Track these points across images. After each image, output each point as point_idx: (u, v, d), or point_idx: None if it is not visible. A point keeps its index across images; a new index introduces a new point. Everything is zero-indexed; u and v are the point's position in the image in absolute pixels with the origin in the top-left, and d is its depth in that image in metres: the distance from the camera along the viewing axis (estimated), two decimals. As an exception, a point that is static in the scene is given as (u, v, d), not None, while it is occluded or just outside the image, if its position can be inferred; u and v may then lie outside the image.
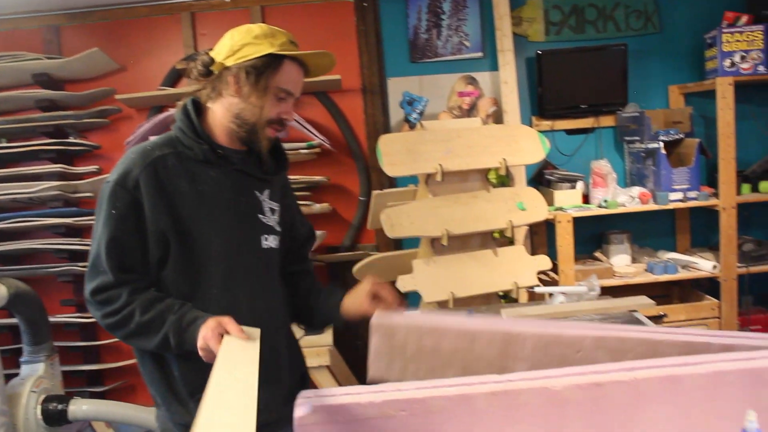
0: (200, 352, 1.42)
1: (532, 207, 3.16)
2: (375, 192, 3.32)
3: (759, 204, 3.62)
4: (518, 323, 1.55)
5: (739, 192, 3.50)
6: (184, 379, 1.56)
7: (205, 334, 1.41)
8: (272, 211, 1.68)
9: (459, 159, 3.05)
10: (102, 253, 1.48)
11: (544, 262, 3.20)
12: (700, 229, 3.88)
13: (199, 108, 1.60)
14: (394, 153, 2.99)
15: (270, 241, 1.66)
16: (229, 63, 1.52)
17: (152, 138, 1.65)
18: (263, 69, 1.51)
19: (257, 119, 1.54)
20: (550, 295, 2.41)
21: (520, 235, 3.49)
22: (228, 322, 1.43)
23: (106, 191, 1.50)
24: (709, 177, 3.73)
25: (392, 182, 3.67)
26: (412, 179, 3.50)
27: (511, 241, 3.46)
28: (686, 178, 3.41)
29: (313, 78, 1.66)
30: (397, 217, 2.98)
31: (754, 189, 3.59)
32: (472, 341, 1.50)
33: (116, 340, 3.80)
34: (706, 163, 3.70)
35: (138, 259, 1.51)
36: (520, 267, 3.16)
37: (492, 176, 3.47)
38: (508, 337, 1.47)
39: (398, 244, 3.72)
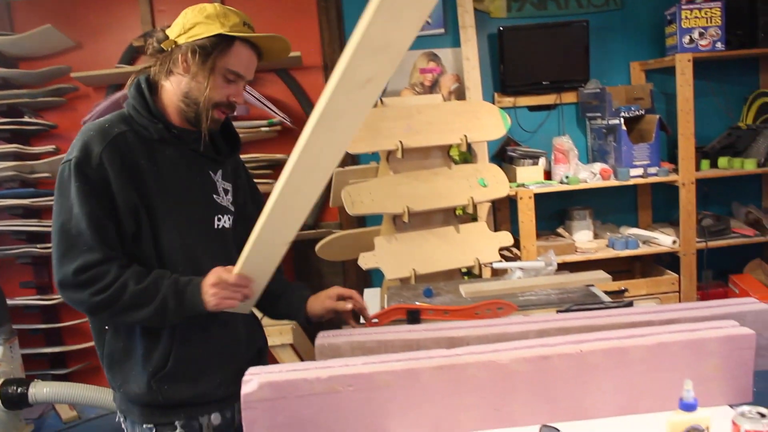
0: (211, 299, 1.46)
1: (494, 183, 3.17)
2: (336, 169, 3.30)
3: (718, 179, 3.67)
4: (462, 326, 1.55)
5: (698, 168, 3.54)
6: (147, 359, 1.55)
7: (213, 291, 1.47)
8: (225, 191, 1.67)
9: (419, 135, 3.04)
10: (85, 229, 1.44)
11: (506, 238, 3.21)
12: (662, 205, 3.92)
13: (152, 87, 1.58)
14: (354, 130, 2.97)
15: (224, 222, 1.65)
16: (180, 41, 1.51)
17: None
18: (211, 49, 1.49)
19: (203, 99, 1.52)
20: (509, 270, 2.42)
21: (483, 211, 3.50)
22: (218, 271, 1.48)
23: (69, 170, 1.46)
24: (669, 153, 3.78)
25: (355, 160, 3.65)
26: (374, 156, 3.49)
27: (474, 218, 3.47)
28: (646, 154, 3.43)
29: (267, 62, 1.64)
30: (357, 195, 2.96)
31: (713, 165, 3.63)
32: (418, 350, 1.50)
33: (79, 321, 3.81)
34: (666, 140, 3.74)
35: (115, 236, 1.49)
36: (482, 243, 3.17)
37: (455, 153, 3.46)
38: (452, 341, 1.47)
39: (362, 221, 3.71)
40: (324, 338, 1.53)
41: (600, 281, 2.24)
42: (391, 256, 3.04)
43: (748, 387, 1.32)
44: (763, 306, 1.46)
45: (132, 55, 3.60)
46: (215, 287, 1.47)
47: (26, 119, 3.52)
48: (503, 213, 3.74)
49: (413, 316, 1.78)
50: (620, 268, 3.84)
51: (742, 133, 3.71)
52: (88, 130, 1.50)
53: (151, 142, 1.54)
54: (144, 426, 1.59)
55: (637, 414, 1.30)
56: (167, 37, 1.53)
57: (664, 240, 3.49)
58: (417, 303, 1.99)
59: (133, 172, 1.49)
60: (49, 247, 3.58)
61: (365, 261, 3.01)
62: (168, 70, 1.54)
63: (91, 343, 3.74)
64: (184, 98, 1.54)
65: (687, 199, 3.44)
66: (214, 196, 1.64)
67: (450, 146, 3.20)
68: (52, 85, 3.57)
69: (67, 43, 3.57)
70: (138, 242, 1.52)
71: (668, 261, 3.69)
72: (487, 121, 3.14)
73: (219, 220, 1.64)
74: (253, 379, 1.33)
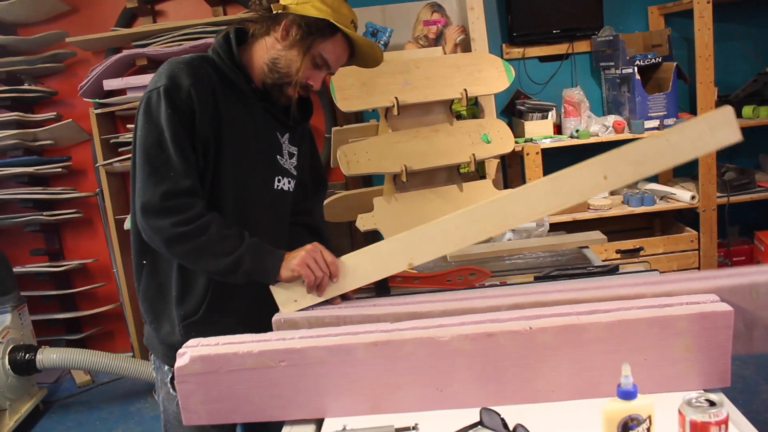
0: (293, 261, 1.43)
1: (498, 139, 3.03)
2: (335, 128, 3.21)
3: (742, 130, 3.43)
4: (429, 300, 1.44)
5: (720, 118, 3.33)
6: (180, 303, 1.54)
7: (303, 255, 1.43)
8: (291, 155, 1.67)
9: (417, 91, 2.91)
10: (174, 156, 1.41)
11: (511, 196, 3.09)
12: (682, 158, 3.71)
13: (240, 39, 1.59)
14: (348, 87, 2.86)
15: (283, 183, 1.64)
16: (290, 8, 1.51)
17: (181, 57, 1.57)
18: (314, 30, 1.51)
19: (287, 72, 1.53)
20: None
21: (492, 169, 3.36)
22: (320, 246, 1.46)
23: (159, 96, 1.44)
24: (690, 103, 3.56)
25: (358, 118, 3.54)
26: (375, 114, 3.38)
27: (482, 176, 3.34)
28: (663, 105, 3.25)
29: (352, 65, 1.67)
30: (353, 154, 2.86)
31: (738, 114, 3.40)
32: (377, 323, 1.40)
33: (92, 287, 3.85)
34: (688, 89, 3.53)
35: (196, 167, 1.47)
36: (486, 202, 3.05)
37: (461, 108, 3.33)
38: (414, 316, 1.35)
39: (367, 181, 3.62)
40: (282, 313, 1.44)
41: (594, 242, 2.11)
42: (391, 216, 2.94)
43: (725, 370, 1.18)
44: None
45: (128, 17, 3.53)
46: (307, 253, 1.44)
47: (26, 86, 3.50)
48: (514, 170, 3.60)
49: (381, 284, 1.69)
50: (640, 225, 3.68)
51: (771, 80, 3.48)
52: (176, 62, 1.49)
53: (230, 91, 1.53)
54: (166, 368, 1.60)
55: (596, 398, 1.17)
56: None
57: (682, 195, 3.31)
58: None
59: (212, 113, 1.48)
60: (56, 214, 3.63)
61: (363, 222, 2.92)
62: (266, 30, 1.54)
63: (105, 308, 3.79)
64: (271, 63, 1.54)
65: (707, 151, 3.24)
66: (278, 157, 1.63)
67: (452, 101, 3.07)
68: (50, 51, 3.53)
69: (62, 7, 3.52)
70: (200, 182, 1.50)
71: (690, 218, 3.51)
72: (489, 73, 2.99)
73: (279, 181, 1.63)
74: (187, 353, 1.27)
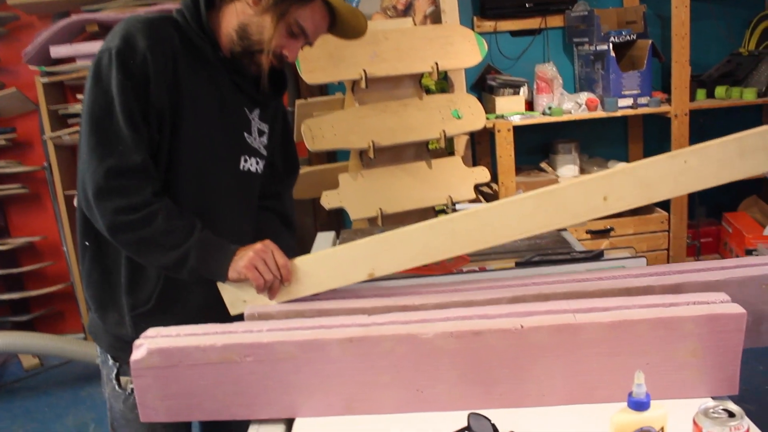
0: (240, 262, 1.28)
1: (469, 115, 2.94)
2: (299, 101, 3.06)
3: (714, 111, 3.41)
4: (420, 290, 1.31)
5: (693, 98, 3.28)
6: (129, 291, 1.38)
7: (251, 257, 1.28)
8: (261, 132, 1.49)
9: (386, 63, 2.79)
10: (123, 128, 1.24)
11: (482, 174, 3.00)
12: (654, 138, 3.67)
13: (209, 4, 1.39)
14: (314, 58, 2.72)
15: (250, 164, 1.47)
16: None
17: (140, 15, 1.38)
18: None
19: (258, 40, 1.35)
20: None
21: (461, 146, 3.26)
22: (273, 246, 1.30)
23: (110, 59, 1.26)
24: (663, 82, 3.50)
25: (324, 91, 3.39)
26: (341, 87, 3.24)
27: (450, 153, 3.24)
28: (637, 83, 3.17)
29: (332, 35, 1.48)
30: (318, 128, 2.73)
31: (710, 95, 3.37)
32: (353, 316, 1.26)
33: (41, 265, 3.65)
34: (661, 68, 3.46)
35: (149, 142, 1.30)
36: (456, 180, 2.96)
37: (430, 83, 3.21)
38: (406, 308, 1.22)
39: (332, 157, 3.49)
40: (255, 306, 1.30)
41: (573, 224, 2.00)
42: (357, 194, 2.83)
43: (734, 377, 1.08)
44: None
45: (77, -22, 3.30)
46: (256, 254, 1.28)
47: (-35, 51, 3.26)
48: (483, 147, 3.50)
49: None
50: (609, 205, 3.62)
51: (743, 60, 3.43)
52: (134, 21, 1.30)
53: (193, 58, 1.35)
54: (111, 362, 1.44)
55: (591, 404, 1.08)
56: None
57: (653, 175, 3.25)
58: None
59: (171, 81, 1.30)
60: (0, 189, 3.43)
61: (328, 200, 2.80)
62: None
63: (54, 288, 3.60)
64: (240, 30, 1.35)
65: (679, 131, 3.19)
66: (246, 134, 1.45)
67: (422, 75, 2.96)
68: (-10, 15, 3.29)
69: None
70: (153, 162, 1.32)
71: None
72: (461, 47, 2.88)
73: (246, 161, 1.46)
74: (144, 344, 1.14)
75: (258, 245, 1.30)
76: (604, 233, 3.26)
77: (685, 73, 3.16)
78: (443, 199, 2.89)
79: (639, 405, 0.83)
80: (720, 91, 3.32)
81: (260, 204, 1.58)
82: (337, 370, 1.09)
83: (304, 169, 3.20)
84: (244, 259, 1.28)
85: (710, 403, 0.84)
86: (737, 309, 1.06)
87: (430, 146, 3.10)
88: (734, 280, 1.15)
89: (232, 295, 1.31)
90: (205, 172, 1.38)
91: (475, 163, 3.35)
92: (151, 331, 1.19)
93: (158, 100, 1.29)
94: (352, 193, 2.81)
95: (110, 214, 1.25)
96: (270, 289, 1.30)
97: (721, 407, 0.83)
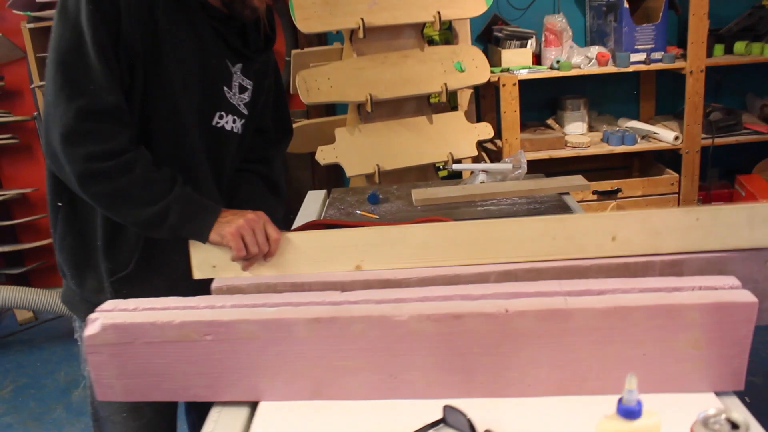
0: (226, 227, 1.18)
1: (473, 68, 2.79)
2: (294, 51, 2.92)
3: (732, 67, 3.24)
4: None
5: (710, 54, 3.10)
6: (107, 254, 1.28)
7: (241, 224, 1.17)
8: (243, 88, 1.36)
9: (386, 12, 2.64)
10: (96, 64, 1.12)
11: (485, 130, 2.87)
12: (668, 95, 3.51)
13: None
14: (309, 5, 2.57)
15: (225, 121, 1.34)
16: None
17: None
18: None
19: None
20: (472, 172, 2.07)
21: (465, 100, 3.12)
22: (265, 218, 1.20)
23: None
24: (679, 36, 3.32)
25: (321, 40, 3.25)
26: (339, 36, 3.09)
27: (453, 107, 3.10)
28: (651, 37, 3.00)
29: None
30: (313, 80, 2.61)
31: (729, 50, 3.19)
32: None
33: (35, 218, 3.57)
34: (677, 21, 3.28)
35: (122, 83, 1.17)
36: (458, 136, 2.83)
37: (433, 33, 3.06)
38: (387, 284, 1.13)
39: (330, 109, 3.36)
40: (223, 279, 1.20)
41: (576, 188, 1.89)
42: (353, 149, 2.71)
43: (740, 371, 0.98)
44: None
45: None
46: (246, 222, 1.18)
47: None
48: (488, 102, 3.35)
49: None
50: (617, 164, 3.49)
51: (767, 14, 3.24)
52: None
53: (172, 1, 1.22)
54: None
55: (581, 396, 0.99)
56: None
57: (665, 135, 3.11)
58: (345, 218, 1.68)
59: (147, 20, 1.18)
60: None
61: (324, 155, 2.69)
62: None
63: (48, 240, 3.54)
64: None
65: (694, 89, 3.04)
66: (225, 88, 1.33)
67: (424, 25, 2.80)
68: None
69: None
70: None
71: (670, 159, 3.32)
72: (465, -6, 2.73)
73: (221, 117, 1.33)
74: (99, 318, 1.05)
75: (250, 214, 1.20)
76: (611, 194, 3.14)
77: (703, 27, 2.98)
78: (444, 155, 2.77)
79: (629, 413, 0.73)
80: (739, 46, 3.15)
81: (247, 168, 1.47)
82: (304, 352, 1.00)
83: (301, 122, 3.09)
84: (232, 225, 1.18)
85: (711, 411, 0.74)
86: (748, 297, 0.94)
87: (432, 100, 2.97)
88: (737, 257, 1.04)
89: (200, 257, 1.21)
90: (179, 126, 1.27)
91: (478, 119, 3.21)
92: (108, 304, 1.10)
93: (131, 39, 1.16)
94: (349, 148, 2.70)
95: (81, 161, 1.13)
96: (248, 260, 1.20)
97: (724, 416, 0.73)
